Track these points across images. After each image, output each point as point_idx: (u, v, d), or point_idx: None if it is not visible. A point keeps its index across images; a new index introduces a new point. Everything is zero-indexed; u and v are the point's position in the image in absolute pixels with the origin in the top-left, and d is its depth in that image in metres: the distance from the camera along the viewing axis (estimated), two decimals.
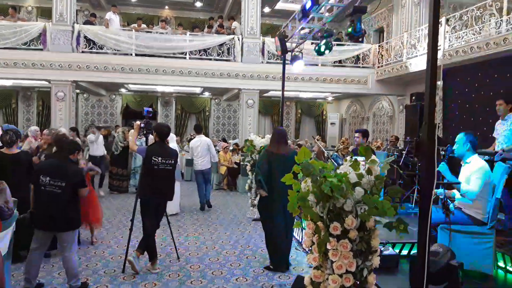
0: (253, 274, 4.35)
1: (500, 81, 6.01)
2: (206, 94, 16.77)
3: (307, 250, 2.71)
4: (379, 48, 12.68)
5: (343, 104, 18.48)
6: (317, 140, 15.59)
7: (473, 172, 3.46)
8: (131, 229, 4.45)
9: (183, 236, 5.85)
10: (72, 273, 3.70)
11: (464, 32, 9.01)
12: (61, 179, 3.59)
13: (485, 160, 3.95)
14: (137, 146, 4.54)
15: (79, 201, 3.80)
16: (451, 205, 3.58)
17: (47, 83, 11.64)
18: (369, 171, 2.48)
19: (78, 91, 15.76)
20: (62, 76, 11.06)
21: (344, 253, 2.41)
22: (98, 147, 9.10)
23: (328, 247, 2.45)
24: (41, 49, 10.97)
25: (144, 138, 5.14)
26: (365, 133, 5.94)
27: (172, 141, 7.48)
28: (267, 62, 12.21)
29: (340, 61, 12.82)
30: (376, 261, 2.51)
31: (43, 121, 15.75)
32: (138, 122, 4.72)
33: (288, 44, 6.96)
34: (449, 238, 3.43)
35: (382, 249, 3.88)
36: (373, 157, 2.50)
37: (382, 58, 12.49)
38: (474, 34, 8.66)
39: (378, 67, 12.61)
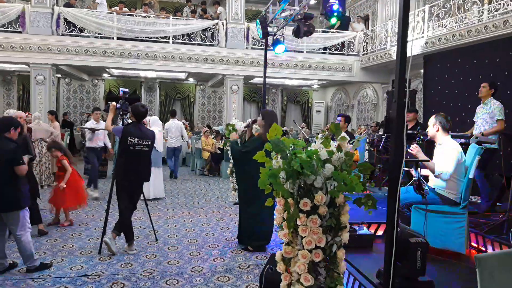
0: (230, 254, 4.37)
1: (480, 67, 6.07)
2: (191, 80, 16.62)
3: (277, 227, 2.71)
4: (364, 36, 12.69)
5: (328, 92, 18.55)
6: (302, 127, 15.70)
7: (445, 153, 3.51)
8: (107, 211, 4.42)
9: (163, 219, 5.83)
10: (25, 254, 3.66)
11: (447, 20, 9.09)
12: None
13: (460, 144, 4.01)
14: (112, 127, 4.48)
15: (20, 180, 3.64)
16: (426, 186, 3.64)
17: (27, 67, 11.37)
18: (339, 148, 2.48)
19: (59, 75, 15.50)
20: (42, 59, 10.81)
21: (313, 228, 2.43)
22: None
23: (298, 222, 2.47)
24: (20, 32, 10.69)
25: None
26: (347, 118, 5.98)
27: (157, 125, 7.48)
28: (252, 48, 12.13)
29: (325, 48, 12.82)
30: (345, 237, 2.53)
31: (24, 106, 15.43)
32: (114, 103, 4.66)
33: (270, 29, 6.90)
34: (424, 218, 3.49)
35: (357, 229, 3.93)
36: (343, 134, 2.50)
37: (367, 45, 12.52)
38: (456, 22, 8.74)
39: (363, 54, 12.65)
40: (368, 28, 13.63)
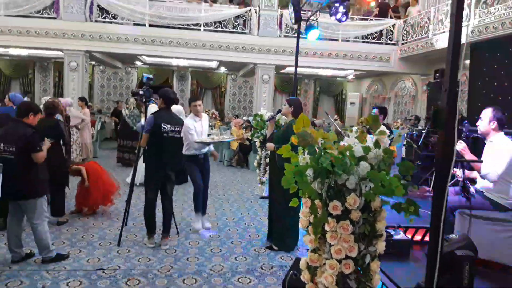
0: (253, 253, 4.12)
1: None
2: (222, 69, 16.41)
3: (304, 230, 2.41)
4: (403, 24, 11.99)
5: (363, 83, 17.85)
6: (335, 120, 15.19)
7: (496, 151, 3.08)
8: (128, 201, 4.27)
9: (187, 211, 5.65)
10: (41, 244, 3.54)
11: (495, 8, 8.35)
12: (11, 143, 3.38)
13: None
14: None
15: (38, 168, 3.51)
16: (471, 188, 3.22)
17: (62, 53, 11.50)
18: (376, 144, 2.14)
19: (94, 62, 15.71)
20: (75, 45, 10.87)
21: (344, 236, 2.11)
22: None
23: (326, 228, 2.16)
24: (54, 18, 10.78)
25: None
26: (382, 110, 5.55)
27: (180, 115, 7.28)
28: (285, 36, 11.72)
29: (362, 37, 12.23)
30: (381, 246, 2.20)
31: (59, 92, 15.76)
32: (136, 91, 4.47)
33: (303, 14, 6.51)
34: (468, 224, 3.09)
35: (393, 233, 3.57)
36: (382, 127, 2.16)
37: (406, 34, 11.83)
38: (506, 10, 8.00)
39: (402, 43, 11.97)
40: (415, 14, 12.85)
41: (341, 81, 18.05)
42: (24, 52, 13.67)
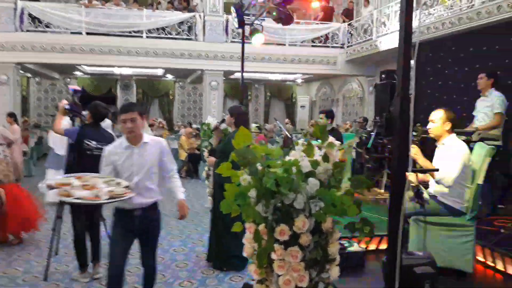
0: (200, 276, 3.77)
1: (477, 55, 5.56)
2: (169, 76, 15.88)
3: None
4: (348, 27, 12.16)
5: (312, 86, 18.02)
6: (286, 123, 15.15)
7: (450, 154, 2.96)
8: (54, 229, 3.77)
9: None
10: None
11: (434, 9, 8.59)
12: None
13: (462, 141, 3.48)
14: (63, 129, 3.83)
15: None
16: (425, 193, 3.09)
17: None
18: (325, 157, 1.90)
19: (29, 74, 14.61)
20: (4, 57, 9.98)
21: (293, 264, 1.85)
22: None
23: (273, 256, 1.88)
24: None
25: None
26: (329, 114, 5.40)
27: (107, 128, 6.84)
28: (232, 41, 11.47)
29: (309, 41, 12.26)
30: (334, 272, 1.96)
31: None
32: (63, 101, 4.00)
33: (248, 18, 6.28)
34: (423, 231, 2.95)
35: (346, 245, 3.38)
36: (331, 138, 1.92)
37: (351, 37, 12.00)
38: (445, 10, 8.25)
39: (348, 46, 12.13)
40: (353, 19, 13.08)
41: (291, 85, 18.10)
42: None
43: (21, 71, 13.30)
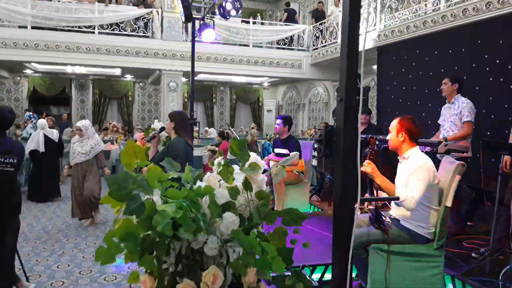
0: None
1: (442, 59, 5.24)
2: (128, 77, 15.06)
3: None
4: (313, 29, 11.81)
5: (279, 90, 17.66)
6: (252, 128, 14.66)
7: (412, 171, 2.51)
8: None
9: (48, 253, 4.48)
10: None
11: (399, 13, 8.34)
12: None
13: (426, 153, 3.06)
14: None
15: None
16: (386, 217, 2.63)
17: None
18: (247, 184, 1.38)
19: None
20: None
21: None
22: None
23: None
24: None
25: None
26: (287, 120, 4.92)
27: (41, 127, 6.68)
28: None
29: (274, 43, 11.84)
30: None
31: None
32: None
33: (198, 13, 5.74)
34: (386, 262, 2.48)
35: None
36: (253, 157, 1.40)
37: (317, 40, 11.66)
38: (410, 14, 8.01)
39: (313, 49, 11.78)
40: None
41: (257, 88, 17.66)
42: None
43: None
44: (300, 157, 4.70)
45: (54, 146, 6.93)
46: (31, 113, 8.81)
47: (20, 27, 9.65)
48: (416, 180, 2.44)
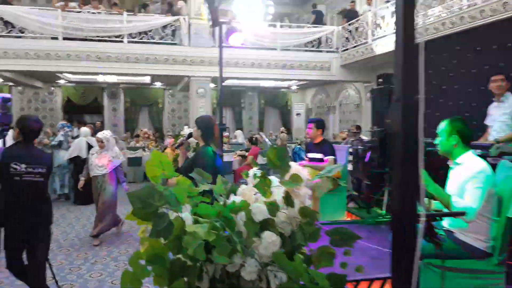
0: None
1: (487, 55, 4.88)
2: (158, 84, 15.21)
3: None
4: (342, 30, 11.52)
5: (308, 93, 17.38)
6: (281, 132, 14.47)
7: (468, 178, 2.26)
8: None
9: (84, 263, 4.45)
10: None
11: (432, 10, 7.95)
12: None
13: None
14: None
15: None
16: (440, 229, 2.38)
17: None
18: (288, 199, 1.20)
19: (11, 83, 13.94)
20: None
21: None
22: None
23: None
24: None
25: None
26: (318, 123, 4.67)
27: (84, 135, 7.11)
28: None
29: (302, 45, 11.61)
30: None
31: None
32: None
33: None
34: (440, 280, 2.24)
35: None
36: (295, 168, 1.22)
37: (346, 41, 11.35)
38: (444, 10, 7.61)
39: (342, 51, 11.48)
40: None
41: (286, 92, 17.47)
42: None
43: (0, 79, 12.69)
44: (335, 162, 4.47)
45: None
46: (65, 122, 8.98)
47: (52, 38, 9.89)
48: (474, 188, 2.19)
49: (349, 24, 11.12)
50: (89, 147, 6.95)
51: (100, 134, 5.20)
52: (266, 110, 17.79)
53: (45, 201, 3.14)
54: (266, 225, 1.22)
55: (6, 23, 9.59)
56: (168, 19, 10.39)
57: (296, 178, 1.18)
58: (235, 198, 1.29)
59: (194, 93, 10.85)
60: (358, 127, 8.35)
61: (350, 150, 5.75)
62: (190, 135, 3.52)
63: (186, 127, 6.37)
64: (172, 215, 1.14)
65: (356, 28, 10.82)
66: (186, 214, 1.19)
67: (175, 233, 1.09)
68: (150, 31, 10.23)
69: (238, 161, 9.40)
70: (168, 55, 10.27)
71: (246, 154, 9.18)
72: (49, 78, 13.63)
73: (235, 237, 1.12)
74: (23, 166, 2.92)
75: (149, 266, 1.17)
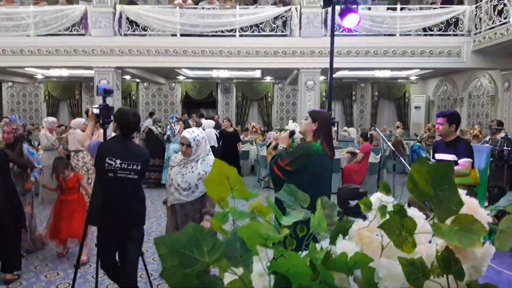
0: None
1: None
2: (268, 78, 15.21)
3: None
4: (476, 10, 9.91)
5: (430, 83, 15.63)
6: (397, 127, 13.26)
7: None
8: (76, 266, 3.10)
9: None
10: None
11: None
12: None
13: None
14: (90, 141, 3.16)
15: None
16: None
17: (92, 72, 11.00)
18: (447, 263, 0.70)
19: (138, 80, 15.30)
20: (104, 62, 10.26)
21: None
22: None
23: None
24: (83, 34, 10.25)
25: None
26: (451, 118, 3.78)
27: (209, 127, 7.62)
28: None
29: (425, 29, 10.33)
30: None
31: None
32: (91, 109, 3.29)
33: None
34: None
35: None
36: (470, 205, 0.70)
37: (480, 22, 9.73)
38: None
39: (475, 34, 9.88)
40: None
41: (403, 83, 15.99)
42: (65, 73, 13.52)
43: (128, 77, 13.96)
44: (472, 166, 3.63)
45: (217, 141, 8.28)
46: (175, 115, 9.46)
47: (165, 35, 10.41)
48: None
49: (486, 2, 9.50)
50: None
51: (186, 134, 3.03)
52: (380, 103, 16.55)
53: (139, 200, 3.03)
54: None
55: (131, 22, 10.36)
56: (280, 9, 10.12)
57: (468, 225, 0.67)
58: (344, 243, 0.81)
59: (303, 85, 10.44)
60: (500, 123, 6.95)
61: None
62: (292, 133, 3.08)
63: (290, 121, 6.02)
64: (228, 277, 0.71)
65: (494, 6, 9.19)
66: (258, 270, 0.75)
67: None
68: (261, 23, 10.09)
69: (347, 158, 8.73)
70: (278, 48, 10.03)
71: (357, 151, 8.48)
72: (170, 74, 14.57)
73: None
74: (118, 161, 2.83)
75: None
